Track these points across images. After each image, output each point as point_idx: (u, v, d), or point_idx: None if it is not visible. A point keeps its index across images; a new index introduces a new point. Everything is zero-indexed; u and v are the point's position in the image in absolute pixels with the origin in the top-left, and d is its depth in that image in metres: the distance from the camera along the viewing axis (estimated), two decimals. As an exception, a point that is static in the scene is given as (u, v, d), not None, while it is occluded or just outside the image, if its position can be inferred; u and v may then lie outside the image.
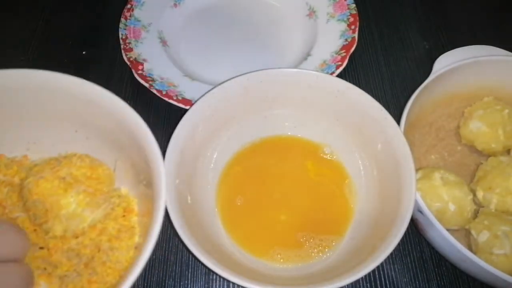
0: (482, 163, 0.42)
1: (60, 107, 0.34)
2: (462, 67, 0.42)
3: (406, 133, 0.37)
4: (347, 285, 0.29)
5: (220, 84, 0.39)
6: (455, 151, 0.45)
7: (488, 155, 0.43)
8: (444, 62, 0.43)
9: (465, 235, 0.40)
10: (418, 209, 0.35)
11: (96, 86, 0.33)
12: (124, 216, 0.36)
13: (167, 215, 0.32)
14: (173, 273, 0.40)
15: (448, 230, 0.34)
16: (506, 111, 0.42)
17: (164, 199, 0.30)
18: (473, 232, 0.38)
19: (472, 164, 0.44)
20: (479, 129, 0.42)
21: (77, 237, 0.34)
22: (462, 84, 0.44)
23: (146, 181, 0.33)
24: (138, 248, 0.34)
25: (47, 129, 0.36)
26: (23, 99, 0.33)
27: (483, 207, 0.40)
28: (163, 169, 0.31)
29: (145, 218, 0.34)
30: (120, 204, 0.37)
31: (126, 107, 0.32)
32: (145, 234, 0.29)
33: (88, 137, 0.37)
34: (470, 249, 0.37)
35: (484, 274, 0.32)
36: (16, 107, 0.34)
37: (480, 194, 0.40)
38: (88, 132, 0.36)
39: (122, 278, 0.28)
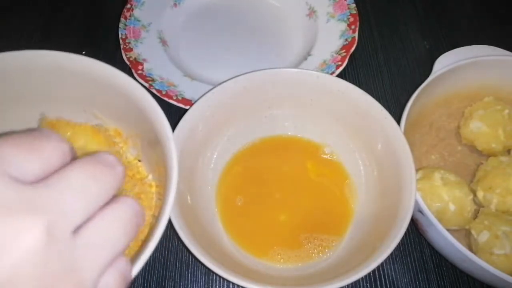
0: (482, 163, 0.42)
1: (70, 87, 0.34)
2: (462, 67, 0.42)
3: (406, 133, 0.36)
4: (348, 285, 0.29)
5: (220, 84, 0.39)
6: (455, 151, 0.45)
7: (488, 155, 0.43)
8: (444, 62, 0.43)
9: (465, 235, 0.40)
10: (418, 210, 0.35)
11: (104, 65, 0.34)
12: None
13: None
14: (173, 273, 0.40)
15: (448, 230, 0.34)
16: (506, 111, 0.42)
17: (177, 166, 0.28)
18: (473, 232, 0.38)
19: (472, 164, 0.44)
20: (480, 129, 0.42)
21: None
22: (462, 84, 0.44)
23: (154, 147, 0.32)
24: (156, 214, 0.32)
25: (57, 108, 0.36)
26: (36, 79, 0.33)
27: (483, 207, 0.40)
28: (172, 139, 0.30)
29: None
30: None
31: (137, 86, 0.32)
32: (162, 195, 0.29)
33: (96, 116, 0.37)
34: (470, 249, 0.37)
35: (485, 274, 0.32)
36: (28, 87, 0.33)
37: (480, 194, 0.40)
38: (96, 110, 0.36)
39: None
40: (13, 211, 0.15)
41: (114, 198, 0.18)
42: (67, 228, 0.16)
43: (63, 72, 0.32)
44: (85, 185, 0.17)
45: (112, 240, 0.17)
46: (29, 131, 0.18)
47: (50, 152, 0.17)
